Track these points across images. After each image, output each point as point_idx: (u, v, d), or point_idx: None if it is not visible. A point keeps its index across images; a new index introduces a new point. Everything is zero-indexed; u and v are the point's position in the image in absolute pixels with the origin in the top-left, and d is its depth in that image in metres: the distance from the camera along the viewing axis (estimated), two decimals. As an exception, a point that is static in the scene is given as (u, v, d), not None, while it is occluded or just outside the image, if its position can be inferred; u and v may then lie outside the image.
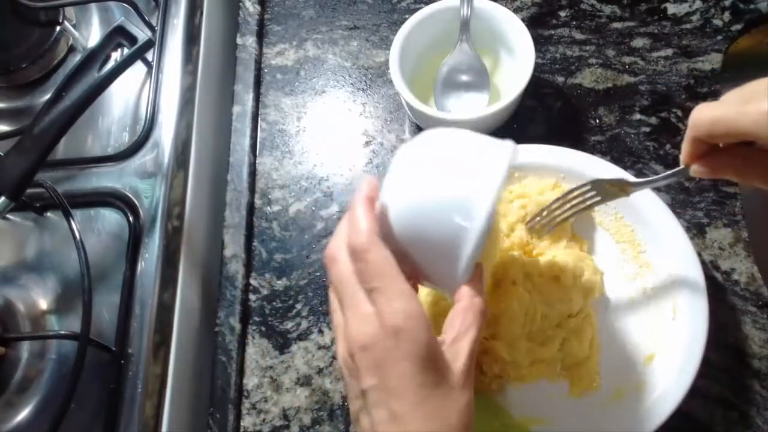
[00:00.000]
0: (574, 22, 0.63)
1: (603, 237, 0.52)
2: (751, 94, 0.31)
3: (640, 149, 0.57)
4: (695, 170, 0.37)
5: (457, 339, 0.34)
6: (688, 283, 0.47)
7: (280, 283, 0.57)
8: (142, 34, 0.51)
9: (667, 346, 0.46)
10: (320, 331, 0.55)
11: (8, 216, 0.57)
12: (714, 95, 0.58)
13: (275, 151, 0.63)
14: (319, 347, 0.55)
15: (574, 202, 0.47)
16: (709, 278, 0.49)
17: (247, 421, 0.53)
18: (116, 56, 0.52)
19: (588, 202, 0.47)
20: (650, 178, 0.43)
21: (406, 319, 0.31)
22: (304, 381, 0.54)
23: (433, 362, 0.31)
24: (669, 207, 0.49)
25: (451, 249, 0.34)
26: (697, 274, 0.47)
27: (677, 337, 0.46)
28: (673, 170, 0.40)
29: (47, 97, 0.50)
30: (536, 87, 0.60)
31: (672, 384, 0.44)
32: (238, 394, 0.54)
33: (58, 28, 0.64)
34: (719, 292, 0.51)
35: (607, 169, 0.51)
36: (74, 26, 0.66)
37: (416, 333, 0.31)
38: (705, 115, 0.33)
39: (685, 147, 0.36)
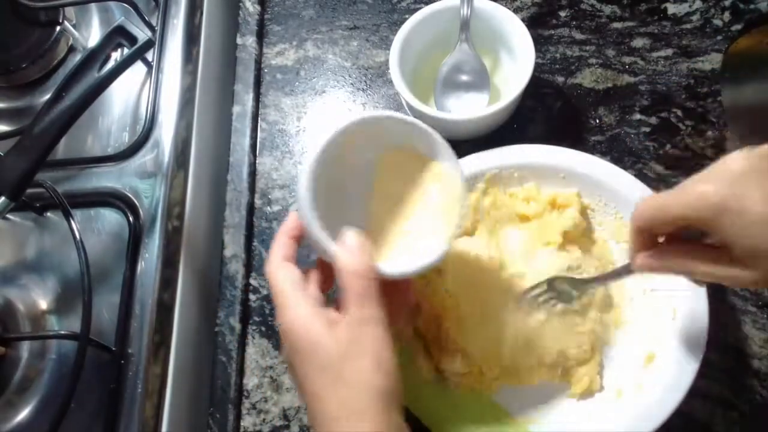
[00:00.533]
0: (574, 22, 0.63)
1: (602, 236, 0.53)
2: (685, 183, 0.33)
3: (640, 149, 0.57)
4: (639, 264, 0.37)
5: (344, 307, 0.36)
6: (688, 284, 0.47)
7: (280, 283, 0.57)
8: (142, 34, 0.51)
9: (667, 346, 0.46)
10: (320, 331, 0.55)
11: (8, 216, 0.57)
12: (714, 95, 0.58)
13: (275, 151, 0.63)
14: (319, 347, 0.55)
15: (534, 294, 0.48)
16: (709, 278, 0.49)
17: (247, 421, 0.53)
18: (116, 56, 0.52)
19: (545, 302, 0.48)
20: (599, 276, 0.46)
21: (288, 324, 0.36)
22: (304, 381, 0.54)
23: (318, 347, 0.35)
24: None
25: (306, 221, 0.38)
26: None
27: (677, 337, 0.46)
28: (620, 267, 0.41)
29: (47, 97, 0.49)
30: (536, 87, 0.60)
31: (672, 384, 0.44)
32: (238, 394, 0.54)
33: (58, 28, 0.64)
34: (719, 292, 0.51)
35: (606, 169, 0.51)
36: (74, 26, 0.66)
37: (297, 333, 0.35)
38: (645, 206, 0.35)
39: (630, 240, 0.38)
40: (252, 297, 0.57)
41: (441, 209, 0.41)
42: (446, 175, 0.41)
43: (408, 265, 0.39)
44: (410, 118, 0.41)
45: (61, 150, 0.61)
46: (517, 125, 0.59)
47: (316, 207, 0.37)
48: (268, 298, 0.57)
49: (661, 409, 0.44)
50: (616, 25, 0.62)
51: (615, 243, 0.52)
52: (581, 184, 0.52)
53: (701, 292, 0.46)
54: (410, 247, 0.41)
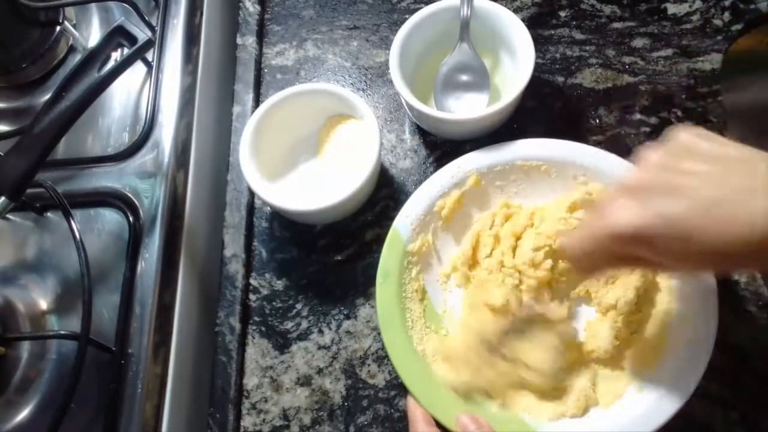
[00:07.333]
0: (574, 22, 0.63)
1: None
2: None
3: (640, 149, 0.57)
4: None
5: None
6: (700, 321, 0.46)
7: (280, 283, 0.57)
8: (142, 34, 0.51)
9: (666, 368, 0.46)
10: (320, 331, 0.55)
11: (8, 216, 0.57)
12: (714, 95, 0.58)
13: (275, 151, 0.63)
14: (319, 347, 0.55)
15: None
16: (709, 278, 0.49)
17: (247, 421, 0.53)
18: (116, 56, 0.52)
19: None
20: None
21: None
22: (304, 381, 0.54)
23: None
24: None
25: None
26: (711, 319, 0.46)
27: (677, 361, 0.45)
28: None
29: (47, 97, 0.49)
30: (536, 87, 0.60)
31: (664, 399, 0.44)
32: (238, 394, 0.54)
33: (58, 28, 0.64)
34: (719, 292, 0.51)
35: (612, 163, 0.51)
36: (74, 26, 0.66)
37: None
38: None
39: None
40: (252, 297, 0.57)
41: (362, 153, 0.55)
42: (366, 127, 0.55)
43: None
44: (332, 87, 0.56)
45: (61, 150, 0.61)
46: (517, 125, 0.59)
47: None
48: (268, 298, 0.57)
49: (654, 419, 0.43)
50: (616, 25, 0.62)
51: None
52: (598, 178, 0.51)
53: (712, 322, 0.45)
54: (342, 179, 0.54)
